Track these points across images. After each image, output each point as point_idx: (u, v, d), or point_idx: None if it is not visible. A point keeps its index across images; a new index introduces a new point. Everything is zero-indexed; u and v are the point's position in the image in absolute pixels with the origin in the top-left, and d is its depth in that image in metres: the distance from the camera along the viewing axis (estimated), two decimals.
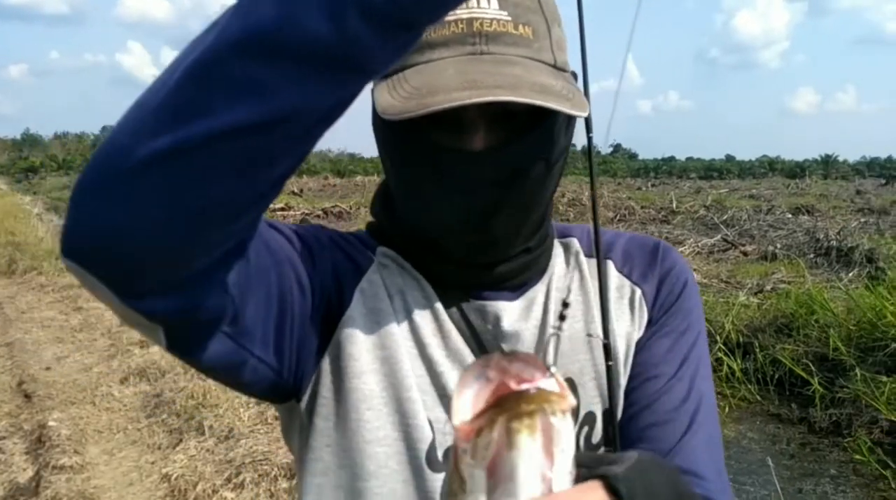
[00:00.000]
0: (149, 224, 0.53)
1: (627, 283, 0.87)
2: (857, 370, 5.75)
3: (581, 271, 0.88)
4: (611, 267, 0.88)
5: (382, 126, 0.78)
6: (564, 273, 0.88)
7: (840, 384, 5.86)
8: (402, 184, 0.81)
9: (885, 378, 5.53)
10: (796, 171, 67.70)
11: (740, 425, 5.89)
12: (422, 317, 0.81)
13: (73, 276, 0.57)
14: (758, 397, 6.30)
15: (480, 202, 0.76)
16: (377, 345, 0.80)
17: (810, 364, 6.18)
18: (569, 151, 0.82)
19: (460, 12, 0.73)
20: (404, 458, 0.78)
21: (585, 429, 0.83)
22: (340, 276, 0.81)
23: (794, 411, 6.01)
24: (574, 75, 0.82)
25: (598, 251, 0.83)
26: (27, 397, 5.68)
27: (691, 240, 12.34)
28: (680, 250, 10.75)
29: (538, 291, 0.85)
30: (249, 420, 4.77)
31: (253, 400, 5.01)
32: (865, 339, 6.14)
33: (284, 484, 3.90)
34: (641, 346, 0.85)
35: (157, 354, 6.28)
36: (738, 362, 6.54)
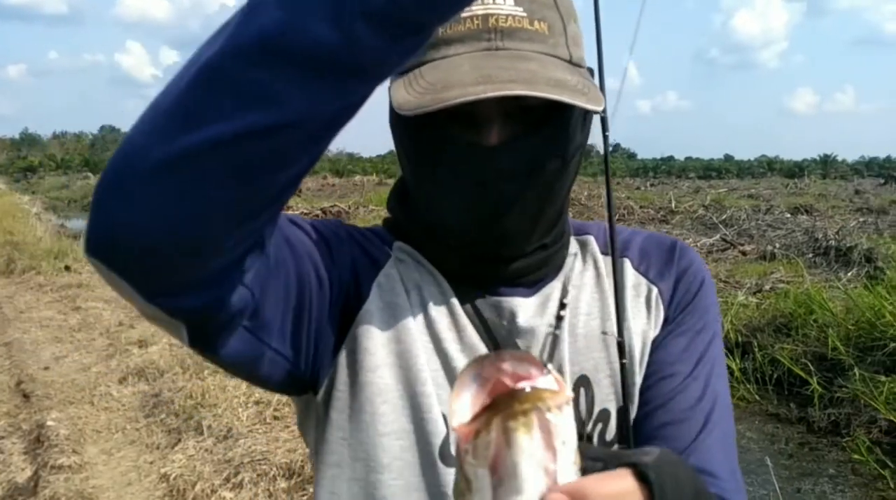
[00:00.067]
0: (165, 224, 0.54)
1: (644, 281, 0.88)
2: (856, 370, 5.75)
3: (597, 269, 0.88)
4: (627, 265, 0.88)
5: (398, 122, 0.78)
6: (581, 270, 0.88)
7: (839, 384, 5.86)
8: (417, 179, 0.82)
9: (883, 378, 5.54)
10: (795, 170, 67.73)
11: (739, 424, 5.88)
12: (437, 312, 0.82)
13: (98, 274, 0.58)
14: (756, 397, 6.30)
15: (495, 197, 0.76)
16: (393, 339, 0.80)
17: (809, 364, 6.18)
18: (585, 147, 0.82)
19: (476, 8, 0.74)
20: (418, 451, 0.79)
21: (600, 426, 0.83)
22: (358, 270, 0.82)
23: (792, 411, 6.01)
24: (590, 71, 0.82)
25: (614, 249, 0.84)
26: (25, 396, 5.67)
27: (690, 240, 12.34)
28: None
29: (554, 287, 0.85)
30: (248, 420, 4.76)
31: (252, 400, 5.02)
32: (864, 338, 6.14)
33: (283, 484, 3.89)
34: (657, 344, 0.85)
35: (156, 354, 6.29)
36: (737, 361, 6.53)
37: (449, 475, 0.78)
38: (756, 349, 6.66)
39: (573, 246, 0.89)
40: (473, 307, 0.83)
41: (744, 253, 11.56)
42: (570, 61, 0.77)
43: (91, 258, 0.57)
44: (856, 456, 5.01)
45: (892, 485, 4.72)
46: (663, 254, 0.89)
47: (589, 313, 0.85)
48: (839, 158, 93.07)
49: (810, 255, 10.76)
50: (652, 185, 31.30)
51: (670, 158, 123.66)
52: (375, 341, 0.80)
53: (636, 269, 0.88)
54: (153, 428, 4.90)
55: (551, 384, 0.49)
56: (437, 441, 0.79)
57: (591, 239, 0.90)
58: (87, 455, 4.53)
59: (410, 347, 0.80)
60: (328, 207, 17.46)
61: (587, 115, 0.79)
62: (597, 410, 0.83)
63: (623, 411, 0.82)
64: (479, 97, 0.68)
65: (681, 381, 0.82)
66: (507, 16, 0.74)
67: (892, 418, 5.24)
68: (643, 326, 0.85)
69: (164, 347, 6.40)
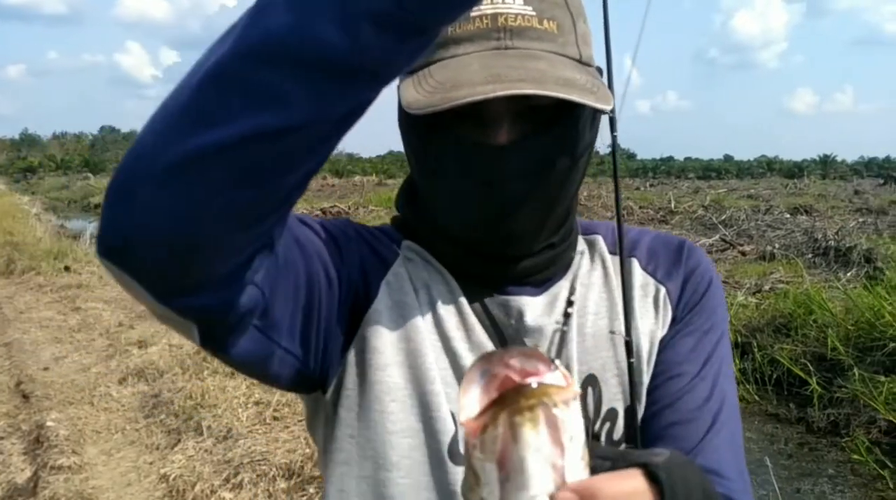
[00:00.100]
0: (175, 225, 0.54)
1: (652, 281, 0.88)
2: (856, 370, 5.75)
3: (605, 268, 0.88)
4: (635, 265, 0.88)
5: (407, 121, 0.78)
6: (588, 270, 0.88)
7: (838, 384, 5.85)
8: (426, 178, 0.82)
9: (883, 378, 5.53)
10: (794, 171, 67.75)
11: None
12: (446, 311, 0.82)
13: (110, 275, 0.59)
14: (756, 397, 6.30)
15: (504, 196, 0.76)
16: (402, 338, 0.81)
17: (808, 364, 6.17)
18: (593, 146, 0.82)
19: (485, 8, 0.74)
20: (427, 450, 0.79)
21: (607, 425, 0.83)
22: (367, 269, 0.82)
23: (792, 411, 6.01)
24: (599, 70, 0.82)
25: (622, 249, 0.84)
26: (25, 397, 5.66)
27: (689, 240, 12.32)
28: None
29: (562, 287, 0.86)
30: (248, 421, 4.76)
31: (251, 400, 5.02)
32: (863, 339, 6.14)
33: (283, 484, 3.89)
34: (665, 344, 0.85)
35: (156, 354, 6.28)
36: (737, 361, 6.53)
37: (457, 473, 0.79)
38: (755, 350, 6.66)
39: (581, 245, 0.89)
40: (482, 306, 0.83)
41: (743, 253, 11.56)
42: (578, 60, 0.77)
43: (103, 260, 0.57)
44: (855, 456, 5.01)
45: (891, 485, 4.71)
46: (671, 254, 0.89)
47: (597, 312, 0.85)
48: (839, 159, 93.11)
49: (810, 255, 10.77)
50: (651, 185, 31.30)
51: (670, 158, 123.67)
52: (384, 340, 0.80)
53: (644, 269, 0.88)
54: (153, 429, 4.89)
55: (559, 380, 0.49)
56: (446, 440, 0.79)
57: (599, 238, 0.90)
58: (87, 456, 4.53)
59: (419, 345, 0.80)
60: (328, 208, 17.46)
61: (596, 114, 0.79)
62: (604, 409, 0.83)
63: (631, 411, 0.82)
64: (488, 97, 0.68)
65: (688, 381, 0.82)
66: (517, 15, 0.75)
67: (891, 418, 5.24)
68: (651, 326, 0.86)
69: (164, 347, 6.40)
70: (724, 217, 14.82)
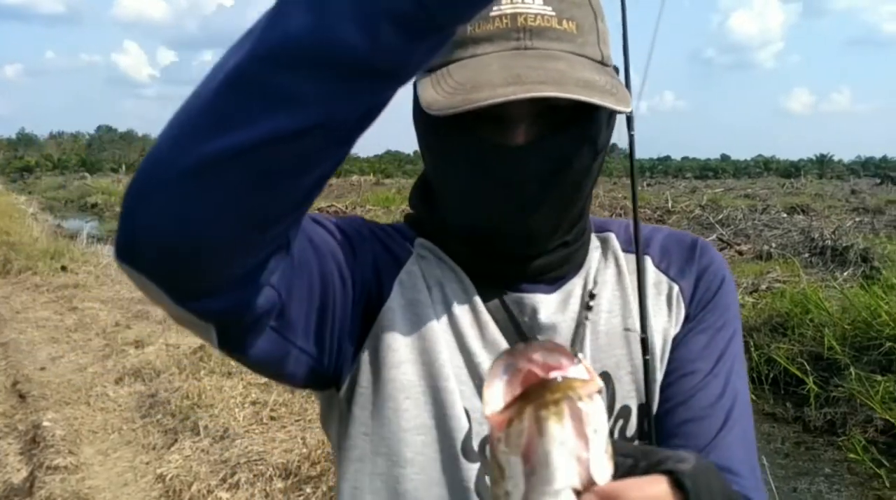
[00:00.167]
0: (193, 228, 0.55)
1: (665, 279, 0.88)
2: (852, 369, 5.77)
3: (618, 266, 0.88)
4: (648, 263, 0.88)
5: (424, 120, 0.78)
6: (602, 268, 0.88)
7: (835, 383, 5.88)
8: (442, 177, 0.82)
9: (879, 377, 5.56)
10: (791, 170, 67.97)
11: None
12: (460, 308, 0.82)
13: (130, 279, 0.59)
14: (753, 397, 6.26)
15: (522, 196, 0.77)
16: (416, 336, 0.81)
17: (805, 363, 6.19)
18: (608, 145, 0.82)
19: (504, 7, 0.74)
20: (440, 447, 0.80)
21: (620, 422, 0.84)
22: (380, 267, 0.83)
23: (788, 411, 6.03)
24: (616, 69, 0.82)
25: (638, 247, 0.84)
26: (21, 397, 5.65)
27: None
28: None
29: (575, 284, 0.86)
30: (244, 420, 4.76)
31: (248, 400, 5.01)
32: (860, 338, 6.16)
33: (279, 484, 3.89)
34: (678, 342, 0.85)
35: (152, 354, 6.28)
36: None
37: (471, 470, 0.79)
38: (752, 349, 6.67)
39: (594, 243, 0.89)
40: (495, 304, 0.83)
41: (740, 253, 11.59)
42: (598, 61, 0.77)
43: (121, 263, 0.58)
44: (852, 455, 5.02)
45: (887, 484, 4.73)
46: (684, 252, 0.89)
47: (610, 310, 0.86)
48: (835, 158, 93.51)
49: (806, 254, 10.79)
50: (649, 185, 31.41)
51: (667, 158, 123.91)
52: (398, 338, 0.80)
53: (657, 266, 0.88)
54: (149, 429, 4.89)
55: (582, 374, 0.50)
56: (460, 437, 0.79)
57: (612, 236, 0.90)
58: (84, 456, 4.52)
59: (433, 343, 0.80)
60: (325, 208, 17.45)
61: (612, 114, 0.79)
62: (618, 406, 0.84)
63: (645, 408, 0.83)
64: (509, 99, 0.68)
65: (701, 378, 0.82)
66: (536, 15, 0.74)
67: (887, 417, 5.25)
68: (664, 323, 0.86)
69: (161, 347, 6.40)
70: (720, 217, 14.86)
